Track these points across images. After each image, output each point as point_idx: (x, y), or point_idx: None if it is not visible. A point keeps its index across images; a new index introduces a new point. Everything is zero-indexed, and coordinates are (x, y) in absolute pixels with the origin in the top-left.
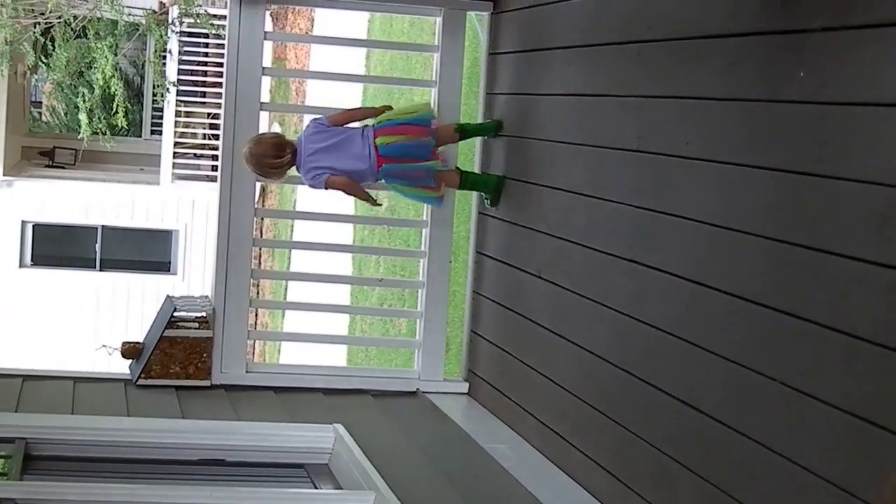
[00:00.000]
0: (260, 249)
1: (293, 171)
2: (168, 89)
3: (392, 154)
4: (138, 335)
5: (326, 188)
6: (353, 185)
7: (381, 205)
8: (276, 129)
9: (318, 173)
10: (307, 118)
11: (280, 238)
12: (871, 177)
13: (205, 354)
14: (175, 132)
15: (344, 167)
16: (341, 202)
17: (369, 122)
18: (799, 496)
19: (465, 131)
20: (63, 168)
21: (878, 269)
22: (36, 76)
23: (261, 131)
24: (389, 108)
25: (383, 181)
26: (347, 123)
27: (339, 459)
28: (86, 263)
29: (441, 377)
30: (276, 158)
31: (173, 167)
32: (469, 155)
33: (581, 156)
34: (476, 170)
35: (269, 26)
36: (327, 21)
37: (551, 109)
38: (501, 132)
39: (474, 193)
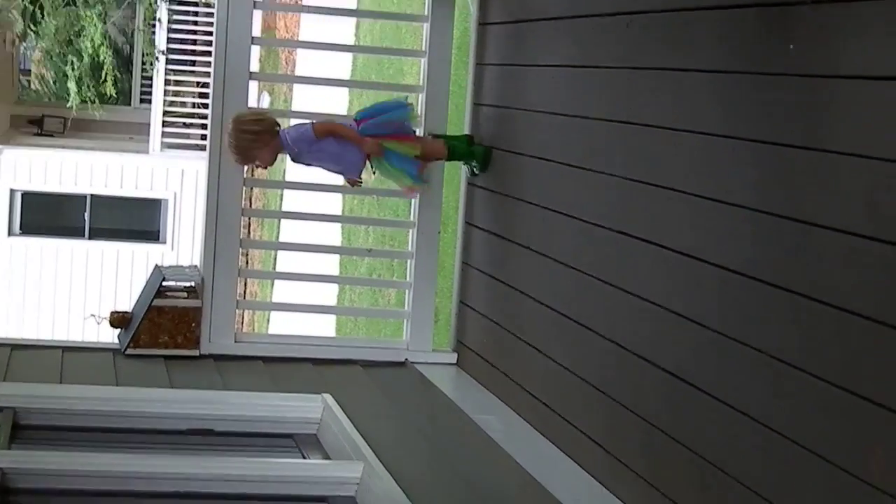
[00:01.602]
0: (249, 219)
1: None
2: (157, 58)
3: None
4: (127, 304)
5: (316, 137)
6: (340, 126)
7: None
8: (266, 98)
9: (302, 131)
10: (297, 88)
11: (269, 208)
12: (860, 150)
13: (193, 324)
14: (164, 101)
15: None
16: (331, 174)
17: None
18: (787, 468)
19: (453, 153)
20: (52, 136)
21: (868, 242)
22: (25, 44)
23: (249, 101)
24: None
25: (369, 165)
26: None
27: (327, 429)
28: (74, 232)
29: (430, 348)
30: (255, 123)
31: (162, 136)
32: (459, 126)
33: (571, 127)
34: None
35: None
36: None
37: (541, 80)
38: (487, 150)
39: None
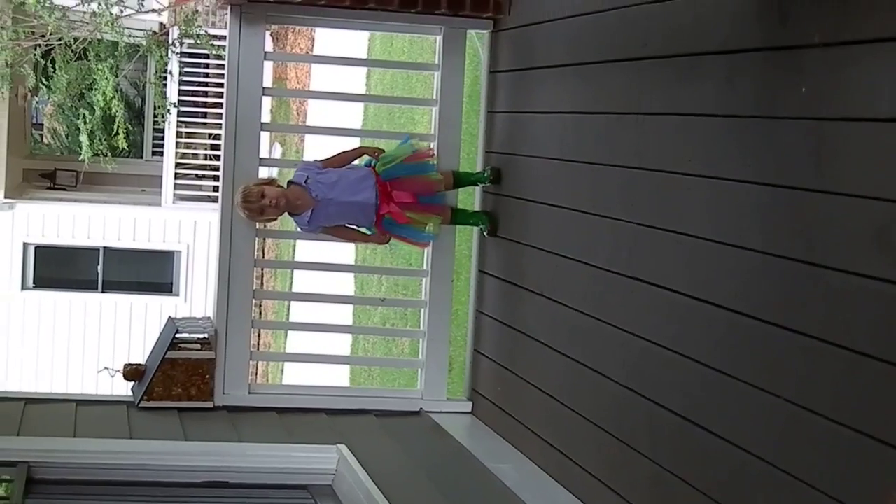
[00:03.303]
0: (262, 270)
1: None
2: (169, 110)
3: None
4: (140, 357)
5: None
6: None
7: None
8: (278, 149)
9: (309, 162)
10: (308, 138)
11: (282, 258)
12: (869, 192)
13: (207, 376)
14: (176, 153)
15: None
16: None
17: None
18: None
19: (459, 180)
20: (64, 190)
21: (877, 283)
22: (37, 98)
23: (261, 152)
24: (381, 150)
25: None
26: (341, 166)
27: (342, 480)
28: (88, 285)
29: (444, 396)
30: (259, 185)
31: (175, 188)
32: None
33: (581, 173)
34: (475, 197)
35: (269, 46)
36: (328, 40)
37: (551, 127)
38: (498, 176)
39: (476, 205)
